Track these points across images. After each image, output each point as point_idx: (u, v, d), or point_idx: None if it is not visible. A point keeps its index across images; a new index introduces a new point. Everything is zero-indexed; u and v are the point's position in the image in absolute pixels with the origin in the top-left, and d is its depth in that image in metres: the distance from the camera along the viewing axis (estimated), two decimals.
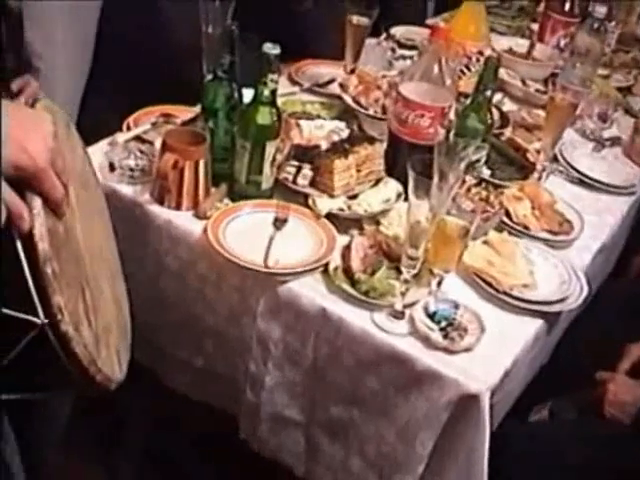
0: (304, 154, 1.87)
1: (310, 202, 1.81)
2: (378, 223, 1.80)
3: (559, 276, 1.80)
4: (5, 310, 1.00)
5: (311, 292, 1.64)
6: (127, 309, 1.44)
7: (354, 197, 1.84)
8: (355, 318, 1.59)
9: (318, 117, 2.10)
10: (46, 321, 1.01)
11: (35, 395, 1.17)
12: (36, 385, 1.15)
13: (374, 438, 1.64)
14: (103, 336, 1.17)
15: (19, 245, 1.00)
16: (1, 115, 0.95)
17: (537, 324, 1.69)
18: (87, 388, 1.12)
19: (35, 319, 1.01)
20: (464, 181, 1.82)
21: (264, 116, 1.73)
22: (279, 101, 1.79)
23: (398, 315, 1.59)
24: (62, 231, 1.09)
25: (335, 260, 1.68)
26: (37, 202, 1.01)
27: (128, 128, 1.97)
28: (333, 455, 1.73)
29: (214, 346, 1.81)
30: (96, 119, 2.06)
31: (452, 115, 1.92)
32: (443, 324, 1.58)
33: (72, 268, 1.11)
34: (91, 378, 1.09)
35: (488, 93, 1.92)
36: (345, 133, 1.98)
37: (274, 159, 1.78)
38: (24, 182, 1.00)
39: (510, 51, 2.77)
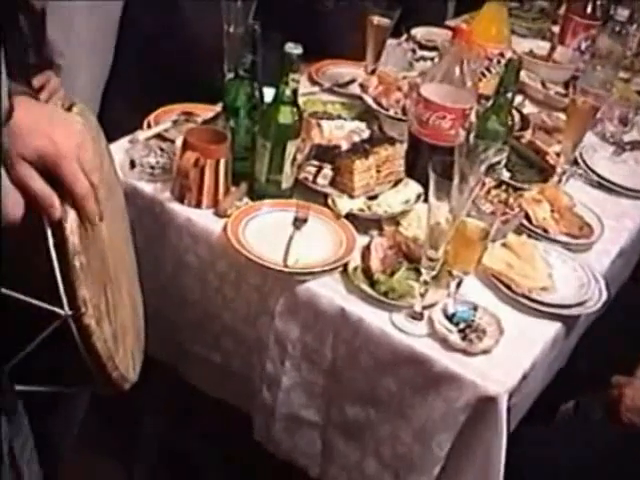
0: (324, 154, 1.87)
1: (330, 202, 1.81)
2: (398, 224, 1.80)
3: (578, 279, 1.79)
4: (30, 299, 1.01)
5: (330, 292, 1.64)
6: (142, 313, 1.45)
7: (374, 198, 1.84)
8: (374, 319, 1.59)
9: (339, 117, 2.10)
10: (70, 313, 1.02)
11: (51, 388, 1.18)
12: (52, 379, 1.16)
13: (390, 439, 1.64)
14: (121, 335, 1.18)
15: (49, 237, 1.01)
16: (14, 108, 0.96)
17: (556, 327, 1.69)
18: (103, 385, 1.13)
19: (59, 310, 1.02)
20: (484, 183, 1.82)
21: (285, 115, 1.73)
22: (300, 101, 1.79)
23: (417, 316, 1.59)
24: (90, 229, 1.10)
25: (354, 260, 1.68)
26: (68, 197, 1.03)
27: (149, 126, 1.98)
28: (348, 456, 1.73)
29: (232, 344, 1.81)
30: (117, 116, 2.06)
31: (473, 117, 1.91)
32: (462, 326, 1.58)
33: (97, 265, 1.12)
34: (108, 375, 1.10)
35: (509, 95, 1.92)
36: (366, 133, 1.98)
37: (294, 159, 1.79)
38: (49, 171, 1.01)
39: (531, 53, 2.76)
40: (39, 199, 0.99)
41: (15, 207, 0.72)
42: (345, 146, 1.89)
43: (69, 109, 1.15)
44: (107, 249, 1.19)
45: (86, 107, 1.20)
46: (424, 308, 1.60)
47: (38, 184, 0.99)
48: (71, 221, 1.02)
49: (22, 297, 1.01)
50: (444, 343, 1.56)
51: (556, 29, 2.98)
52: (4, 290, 1.00)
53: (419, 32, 2.72)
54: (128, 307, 1.31)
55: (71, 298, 1.02)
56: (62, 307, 1.02)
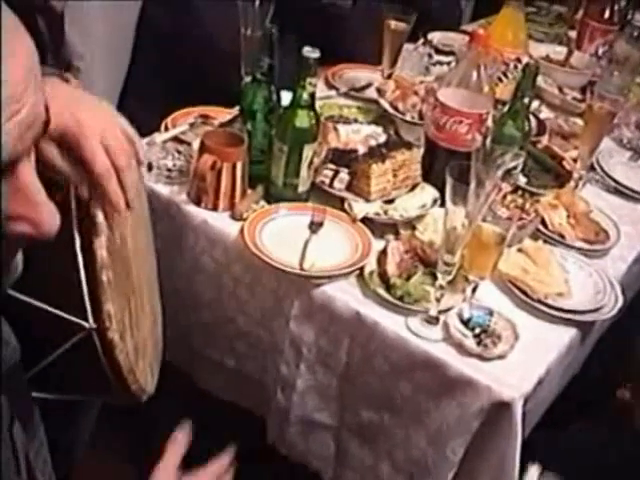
0: (341, 158, 1.87)
1: (346, 206, 1.81)
2: (414, 228, 1.80)
3: (594, 285, 1.79)
4: (56, 311, 1.01)
5: (346, 296, 1.64)
6: (161, 322, 1.45)
7: (390, 202, 1.84)
8: (389, 323, 1.60)
9: (355, 121, 2.10)
10: (94, 326, 1.03)
11: (68, 396, 1.18)
12: (70, 389, 1.16)
13: (404, 443, 1.64)
14: (142, 348, 1.19)
15: (78, 250, 1.01)
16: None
17: (571, 333, 1.68)
18: (121, 396, 1.14)
19: (84, 323, 1.02)
20: (500, 188, 1.82)
21: (302, 119, 1.74)
22: (316, 105, 1.79)
23: (432, 321, 1.59)
24: (118, 241, 1.10)
25: (370, 264, 1.68)
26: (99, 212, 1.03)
27: (166, 128, 1.98)
28: (362, 459, 1.73)
29: (246, 348, 1.82)
30: (134, 119, 2.07)
31: (490, 122, 1.91)
32: (477, 331, 1.58)
33: (123, 278, 1.12)
34: (127, 387, 1.11)
35: (526, 100, 1.92)
36: (382, 138, 1.98)
37: (311, 162, 1.79)
38: (71, 150, 1.00)
39: (547, 58, 2.75)
40: (65, 175, 0.98)
41: (51, 218, 0.72)
42: (362, 150, 1.89)
43: None
44: (132, 260, 1.19)
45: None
46: (440, 313, 1.60)
47: (63, 163, 0.99)
48: (100, 236, 1.02)
49: (48, 308, 1.01)
50: (459, 348, 1.56)
51: (573, 34, 2.97)
52: (31, 300, 1.00)
53: (436, 37, 2.72)
54: (149, 318, 1.32)
55: (96, 312, 1.02)
56: (86, 319, 1.02)
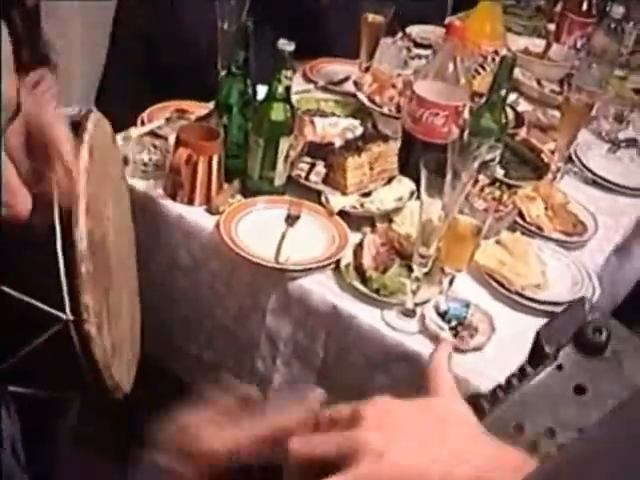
0: (317, 151, 1.87)
1: (323, 199, 1.81)
2: (390, 221, 1.79)
3: (572, 277, 1.79)
4: (33, 301, 1.00)
5: (322, 289, 1.64)
6: (139, 325, 1.44)
7: (367, 195, 1.84)
8: (366, 316, 1.59)
9: (332, 115, 2.10)
10: (71, 318, 1.02)
11: (44, 393, 1.17)
12: (46, 384, 1.15)
13: None
14: (118, 346, 1.18)
15: (58, 241, 1.01)
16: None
17: None
18: (97, 392, 1.13)
19: (61, 314, 1.02)
20: (477, 180, 1.81)
21: (278, 112, 1.73)
22: (294, 99, 1.79)
23: (409, 313, 1.58)
24: (98, 237, 1.10)
25: (347, 257, 1.68)
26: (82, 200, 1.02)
27: (142, 123, 1.98)
28: None
29: (223, 342, 1.81)
30: (110, 113, 2.06)
31: (466, 114, 1.91)
32: (454, 323, 1.58)
33: (102, 273, 1.12)
34: (103, 382, 1.10)
35: (503, 93, 1.91)
36: (359, 131, 1.98)
37: (287, 155, 1.78)
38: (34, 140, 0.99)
39: (526, 51, 2.75)
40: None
41: (24, 201, 0.72)
42: (338, 143, 1.89)
43: (85, 116, 1.15)
44: (112, 258, 1.19)
45: (102, 116, 1.20)
46: (417, 305, 1.59)
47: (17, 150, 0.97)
48: (81, 226, 1.02)
49: (25, 298, 1.00)
50: (436, 340, 1.55)
51: (552, 27, 2.97)
52: (7, 289, 0.99)
53: (414, 30, 2.72)
54: (127, 318, 1.31)
55: (74, 304, 1.02)
56: (64, 311, 1.02)
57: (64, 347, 1.05)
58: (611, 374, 0.78)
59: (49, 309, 1.02)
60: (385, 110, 2.15)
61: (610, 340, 0.79)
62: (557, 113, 2.32)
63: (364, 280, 1.63)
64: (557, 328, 0.88)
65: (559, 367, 0.81)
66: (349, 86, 2.33)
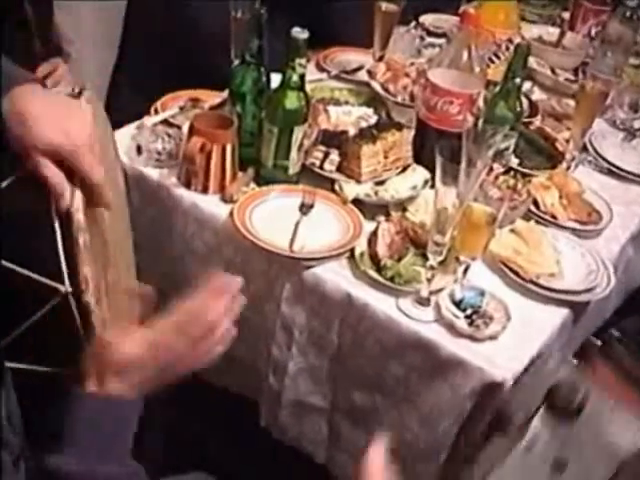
0: (332, 139, 1.86)
1: (337, 188, 1.80)
2: (405, 209, 1.79)
3: (586, 266, 1.78)
4: (31, 274, 1.00)
5: (336, 277, 1.63)
6: (137, 304, 1.44)
7: (381, 183, 1.83)
8: (380, 304, 1.59)
9: (346, 103, 2.09)
10: (70, 290, 1.02)
11: (42, 368, 1.17)
12: (45, 360, 1.15)
13: (396, 425, 1.64)
14: (116, 320, 1.18)
15: (54, 211, 1.02)
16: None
17: (563, 313, 1.68)
18: None
19: (60, 286, 1.02)
20: (492, 169, 1.81)
21: (292, 101, 1.73)
22: (308, 87, 1.78)
23: (424, 302, 1.58)
24: (95, 213, 1.10)
25: (361, 246, 1.68)
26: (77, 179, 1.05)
27: (156, 112, 1.97)
28: (354, 442, 1.72)
29: (237, 331, 1.81)
30: (124, 102, 2.06)
31: (481, 102, 1.90)
32: (469, 312, 1.57)
33: (99, 247, 1.12)
34: None
35: (517, 81, 1.90)
36: (373, 120, 1.98)
37: (301, 144, 1.78)
38: (63, 161, 1.04)
39: (540, 39, 2.74)
40: (51, 187, 1.03)
41: None
42: (352, 131, 1.88)
43: (79, 94, 1.15)
44: (108, 234, 1.19)
45: (94, 93, 1.21)
46: (431, 294, 1.59)
47: (51, 172, 1.03)
48: (77, 199, 1.03)
49: (23, 271, 1.01)
50: (451, 329, 1.55)
51: (566, 15, 2.95)
52: (5, 263, 0.99)
53: (428, 19, 2.71)
54: (123, 295, 1.31)
55: (73, 275, 1.02)
56: (63, 284, 1.02)
57: (63, 321, 1.05)
58: (591, 442, 0.75)
59: (48, 281, 1.02)
60: (399, 99, 2.15)
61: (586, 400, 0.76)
62: (571, 102, 2.31)
63: (379, 268, 1.63)
64: (525, 390, 0.84)
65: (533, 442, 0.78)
66: (363, 75, 2.32)
